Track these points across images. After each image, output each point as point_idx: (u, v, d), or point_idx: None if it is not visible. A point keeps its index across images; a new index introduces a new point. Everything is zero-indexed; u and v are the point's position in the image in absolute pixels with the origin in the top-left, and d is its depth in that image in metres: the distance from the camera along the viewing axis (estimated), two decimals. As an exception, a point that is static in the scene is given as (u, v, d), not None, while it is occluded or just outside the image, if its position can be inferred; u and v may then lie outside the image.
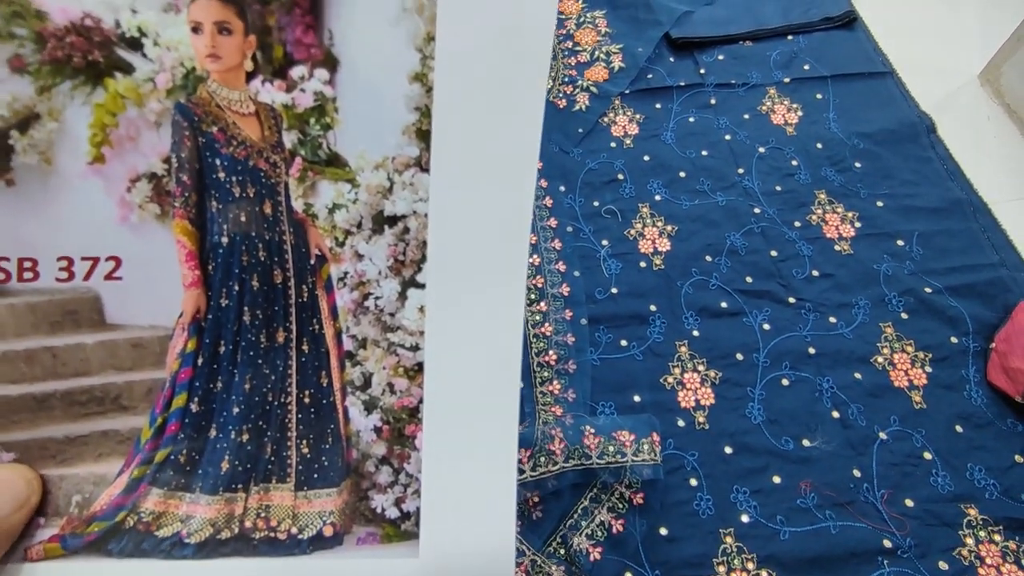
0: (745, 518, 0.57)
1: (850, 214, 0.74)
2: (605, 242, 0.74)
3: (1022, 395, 0.60)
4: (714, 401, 0.64)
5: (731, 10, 0.92)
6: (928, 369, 0.64)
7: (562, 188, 0.79)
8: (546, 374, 0.65)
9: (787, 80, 0.86)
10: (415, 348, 0.30)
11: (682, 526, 0.57)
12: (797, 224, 0.74)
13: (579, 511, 0.58)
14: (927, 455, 0.59)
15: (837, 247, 0.72)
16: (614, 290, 0.71)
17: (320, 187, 0.30)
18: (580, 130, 0.83)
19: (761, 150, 0.80)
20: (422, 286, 0.30)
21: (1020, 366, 0.60)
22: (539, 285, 0.71)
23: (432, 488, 0.28)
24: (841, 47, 0.89)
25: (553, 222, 0.76)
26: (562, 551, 0.56)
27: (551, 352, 0.66)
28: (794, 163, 0.79)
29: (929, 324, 0.66)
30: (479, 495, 0.28)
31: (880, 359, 0.65)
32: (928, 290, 0.68)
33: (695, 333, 0.68)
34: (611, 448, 0.58)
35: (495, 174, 0.28)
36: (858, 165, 0.78)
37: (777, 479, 0.59)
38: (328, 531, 0.30)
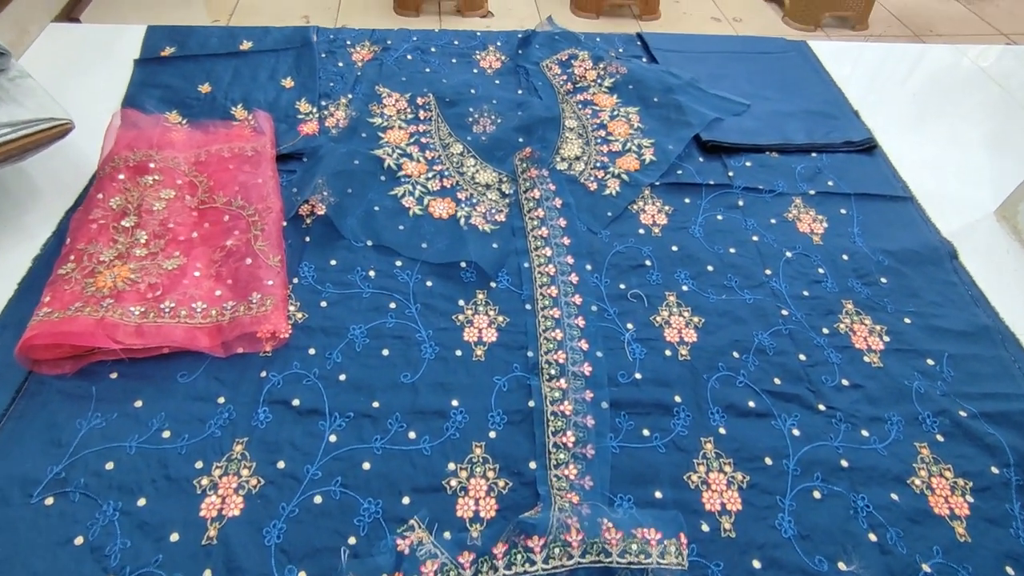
0: (778, 648, 0.51)
1: (878, 327, 0.73)
2: (630, 325, 0.71)
3: (1072, 537, 0.55)
4: (741, 507, 0.58)
5: (758, 123, 0.96)
6: (970, 499, 0.60)
7: (588, 267, 0.77)
8: (562, 456, 0.60)
9: (812, 192, 0.88)
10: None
11: (707, 650, 0.50)
12: (825, 331, 0.72)
13: (591, 619, 0.50)
14: (975, 595, 0.54)
15: (866, 358, 0.70)
16: (638, 375, 0.67)
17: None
18: (609, 213, 0.83)
19: (788, 254, 0.80)
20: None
21: (1067, 504, 0.57)
22: (560, 361, 0.66)
23: None
24: (862, 169, 0.92)
25: (578, 299, 0.73)
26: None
27: (568, 432, 0.61)
28: (821, 271, 0.78)
29: (966, 450, 0.63)
30: None
31: (917, 481, 0.60)
32: (963, 413, 0.65)
33: (721, 431, 0.63)
34: (634, 547, 0.51)
35: None
36: (884, 280, 0.78)
37: (812, 605, 0.53)
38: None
